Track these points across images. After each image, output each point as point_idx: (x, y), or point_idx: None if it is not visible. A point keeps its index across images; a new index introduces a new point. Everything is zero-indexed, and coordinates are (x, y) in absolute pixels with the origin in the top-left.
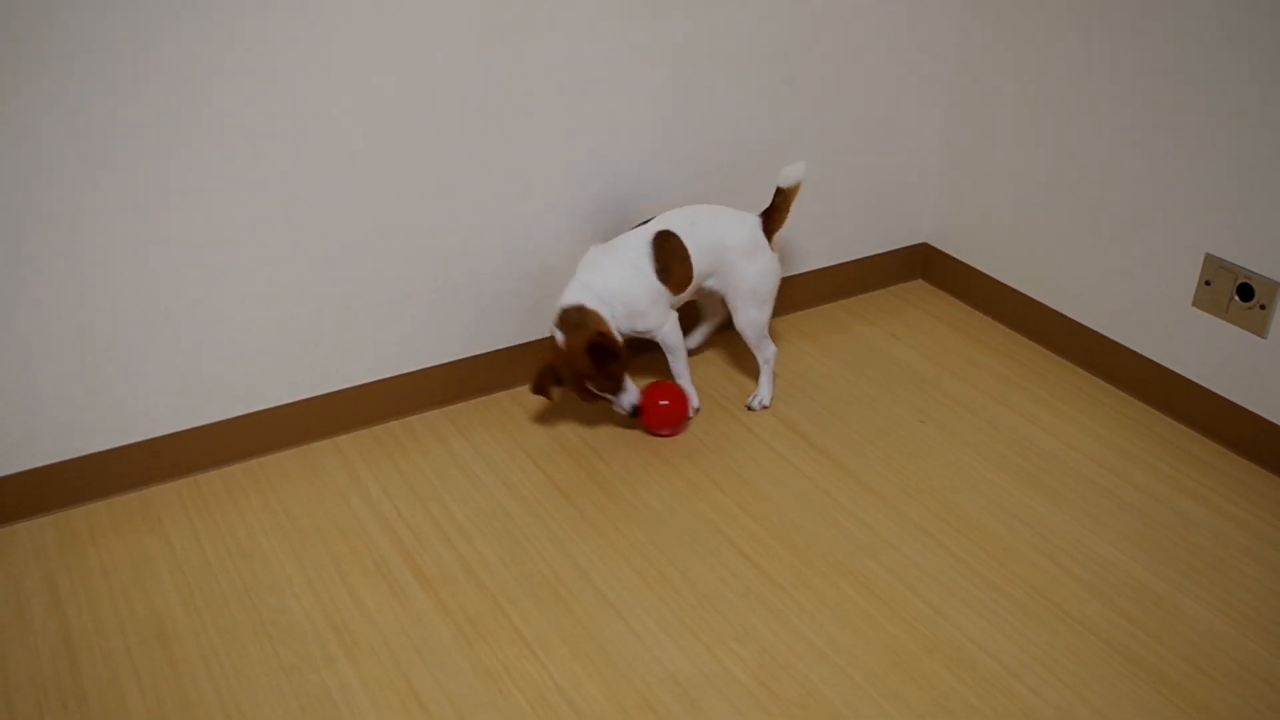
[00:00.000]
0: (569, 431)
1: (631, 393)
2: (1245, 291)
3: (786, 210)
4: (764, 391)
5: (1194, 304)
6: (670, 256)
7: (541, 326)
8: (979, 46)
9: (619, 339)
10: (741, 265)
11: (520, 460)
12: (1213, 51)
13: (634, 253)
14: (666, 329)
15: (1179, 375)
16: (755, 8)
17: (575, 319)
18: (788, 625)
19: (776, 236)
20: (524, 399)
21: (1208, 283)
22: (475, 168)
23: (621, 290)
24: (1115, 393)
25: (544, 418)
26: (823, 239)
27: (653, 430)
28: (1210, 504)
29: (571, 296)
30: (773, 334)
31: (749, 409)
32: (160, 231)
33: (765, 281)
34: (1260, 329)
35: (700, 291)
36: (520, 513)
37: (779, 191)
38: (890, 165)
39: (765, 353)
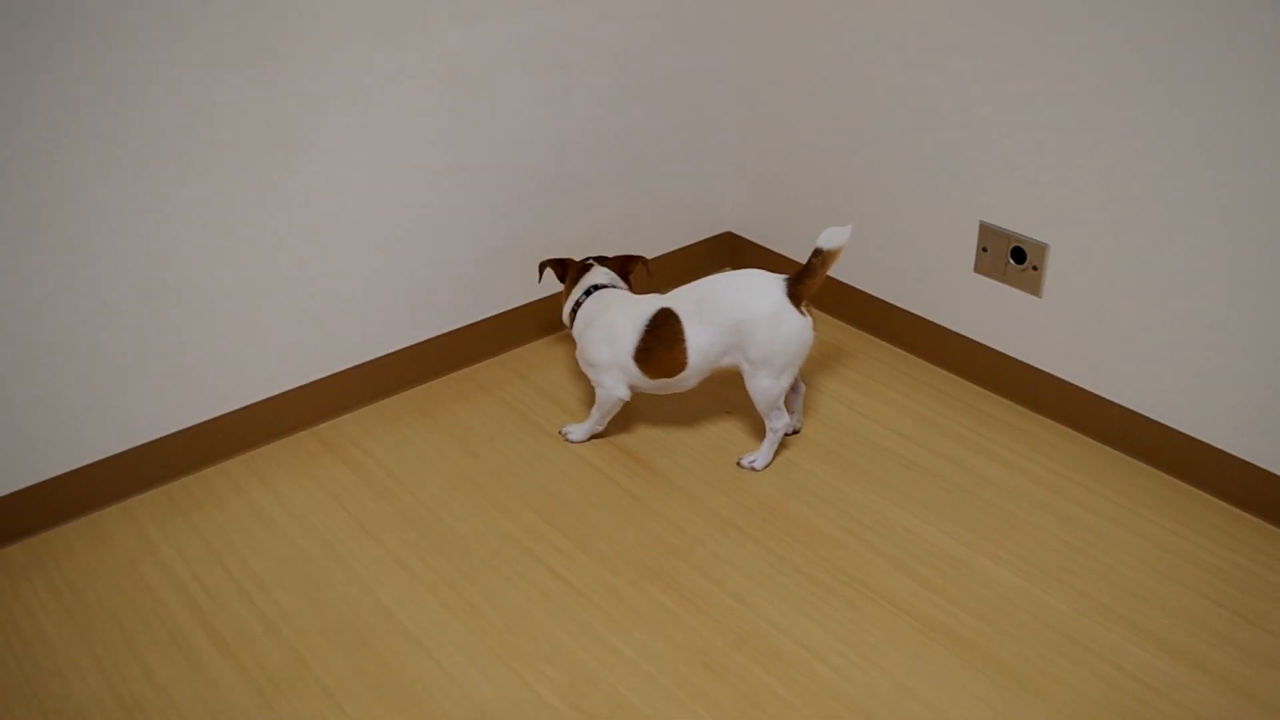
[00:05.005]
0: (373, 464)
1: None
2: (1018, 255)
3: (822, 273)
4: (762, 456)
5: (975, 270)
6: (657, 340)
7: (315, 366)
8: (762, 32)
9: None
10: (761, 334)
11: (322, 501)
12: (974, 34)
13: (624, 319)
14: (602, 393)
15: (969, 339)
16: (524, 19)
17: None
18: (597, 638)
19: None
20: (326, 436)
21: (984, 249)
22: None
23: (590, 334)
24: (916, 362)
25: (346, 453)
26: (626, 237)
27: None
28: (1005, 461)
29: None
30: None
31: (739, 465)
32: None
33: (785, 351)
34: (1035, 289)
35: (720, 370)
36: (322, 557)
37: (816, 253)
38: (687, 158)
39: (775, 423)
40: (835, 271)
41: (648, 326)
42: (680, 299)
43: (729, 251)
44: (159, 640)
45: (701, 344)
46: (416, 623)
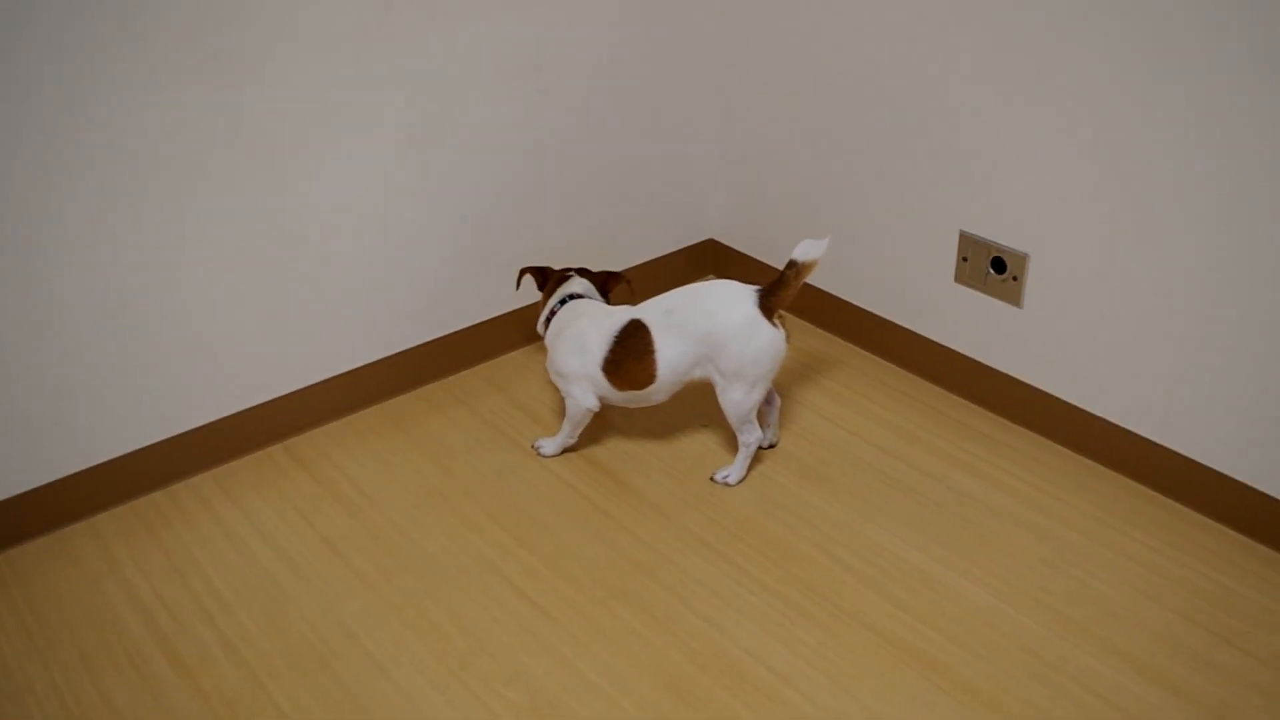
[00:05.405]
0: (343, 480)
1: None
2: (998, 265)
3: (796, 285)
4: (735, 471)
5: (956, 280)
6: (626, 351)
7: (286, 379)
8: (744, 39)
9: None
10: (732, 346)
11: (289, 518)
12: (955, 42)
13: (594, 330)
14: (571, 403)
15: (949, 349)
16: (500, 24)
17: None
18: (560, 660)
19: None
20: (297, 450)
21: (965, 259)
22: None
23: (560, 343)
24: (896, 372)
25: (316, 468)
26: (608, 245)
27: None
28: (984, 475)
29: (581, 291)
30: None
31: (712, 480)
32: None
33: (757, 363)
34: (1016, 299)
35: (691, 382)
36: (287, 576)
37: (790, 265)
38: (667, 164)
39: (747, 437)
40: (815, 279)
41: (617, 338)
42: (650, 310)
43: (712, 259)
44: (117, 662)
45: (671, 356)
46: (378, 644)
